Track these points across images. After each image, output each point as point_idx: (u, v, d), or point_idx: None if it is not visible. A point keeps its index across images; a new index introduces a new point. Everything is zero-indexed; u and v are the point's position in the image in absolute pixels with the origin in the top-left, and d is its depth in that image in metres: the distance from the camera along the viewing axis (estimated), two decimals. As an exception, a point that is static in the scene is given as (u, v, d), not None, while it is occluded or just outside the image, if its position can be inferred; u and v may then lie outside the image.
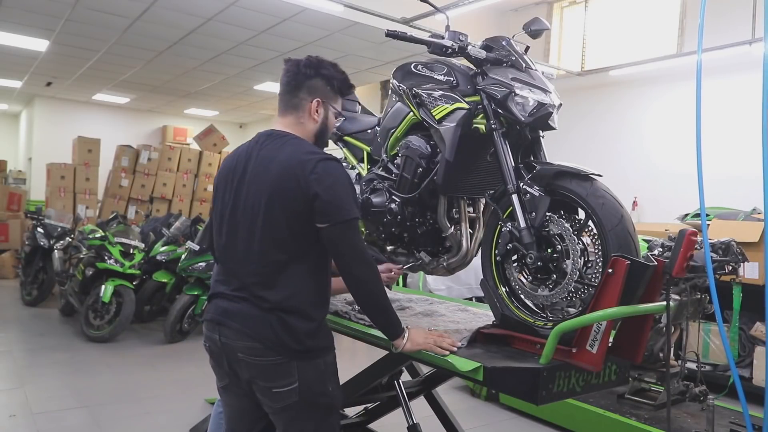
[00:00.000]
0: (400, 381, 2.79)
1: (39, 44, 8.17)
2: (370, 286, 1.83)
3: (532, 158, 2.06)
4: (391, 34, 2.11)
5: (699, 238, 1.78)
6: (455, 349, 1.92)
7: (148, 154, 10.06)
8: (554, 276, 1.88)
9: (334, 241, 1.80)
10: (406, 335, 1.88)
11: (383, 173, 2.45)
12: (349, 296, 2.65)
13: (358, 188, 2.46)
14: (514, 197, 1.93)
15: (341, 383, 2.60)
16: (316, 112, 1.94)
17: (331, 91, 1.97)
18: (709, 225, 4.60)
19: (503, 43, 2.09)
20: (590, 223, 1.84)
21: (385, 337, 1.92)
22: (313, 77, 1.93)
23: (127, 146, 10.14)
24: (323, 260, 1.90)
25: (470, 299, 5.24)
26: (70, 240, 7.44)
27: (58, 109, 12.52)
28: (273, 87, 10.48)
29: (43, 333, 6.15)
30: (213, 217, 2.05)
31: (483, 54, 2.08)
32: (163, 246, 6.46)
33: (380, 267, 2.40)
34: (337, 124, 2.04)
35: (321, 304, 1.91)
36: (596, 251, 1.83)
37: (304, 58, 1.97)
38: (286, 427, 1.88)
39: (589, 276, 1.83)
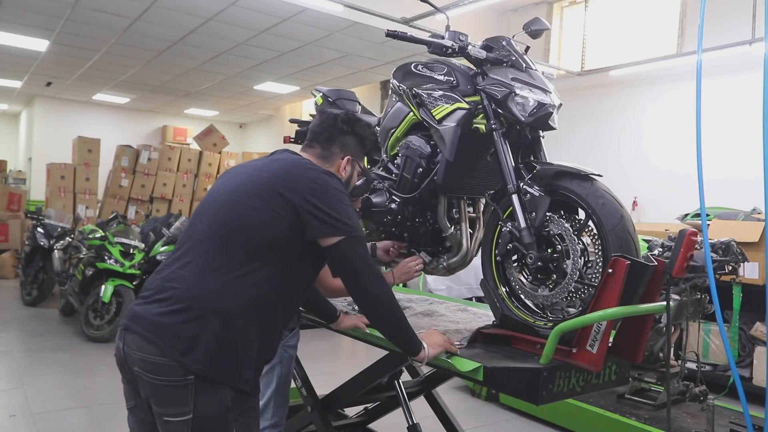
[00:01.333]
0: (400, 381, 2.80)
1: (39, 44, 8.17)
2: (386, 304, 1.70)
3: (532, 158, 2.05)
4: (391, 34, 2.11)
5: (699, 238, 1.78)
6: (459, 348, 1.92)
7: (148, 154, 10.06)
8: (554, 276, 1.88)
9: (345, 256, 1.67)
10: (425, 345, 1.76)
11: (383, 173, 2.45)
12: (346, 297, 2.66)
13: None
14: (514, 197, 1.93)
15: (342, 383, 2.61)
16: (345, 169, 1.88)
17: (361, 151, 1.94)
18: (709, 225, 4.60)
19: (503, 43, 2.09)
20: (590, 223, 1.84)
21: (400, 350, 1.82)
22: (349, 134, 1.89)
23: (127, 146, 10.14)
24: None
25: (470, 299, 5.24)
26: (70, 240, 7.44)
27: (58, 109, 12.52)
28: (273, 87, 10.49)
29: (43, 333, 6.15)
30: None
31: (483, 54, 2.08)
32: (163, 246, 6.46)
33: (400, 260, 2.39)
34: (358, 183, 2.04)
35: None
36: (596, 251, 1.83)
37: (342, 113, 1.93)
38: None
39: (589, 276, 1.83)
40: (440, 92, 2.13)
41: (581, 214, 1.89)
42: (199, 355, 1.52)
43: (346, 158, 1.88)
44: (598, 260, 1.81)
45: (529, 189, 1.90)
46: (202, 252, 1.64)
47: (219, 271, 1.59)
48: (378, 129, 2.57)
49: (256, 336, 1.62)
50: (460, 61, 2.22)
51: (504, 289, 2.03)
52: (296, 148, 2.32)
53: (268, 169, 1.74)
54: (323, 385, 2.76)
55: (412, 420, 2.68)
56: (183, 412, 1.52)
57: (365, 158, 2.03)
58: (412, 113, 2.28)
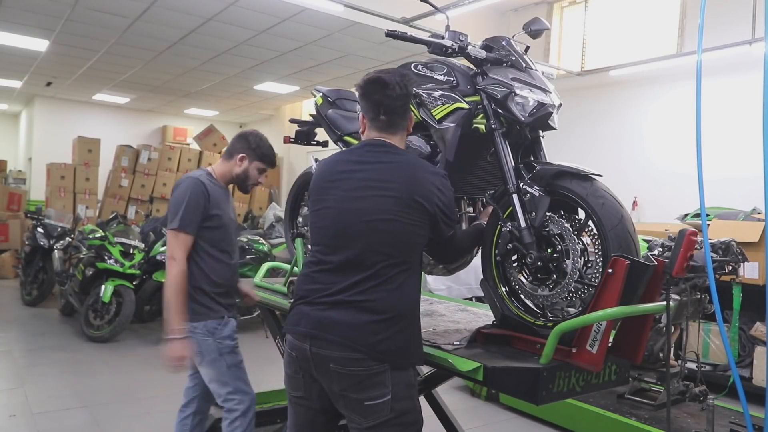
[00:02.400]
0: (400, 381, 2.79)
1: (39, 44, 8.17)
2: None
3: (532, 158, 2.06)
4: (391, 34, 2.11)
5: (699, 238, 1.78)
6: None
7: (148, 154, 10.06)
8: (554, 276, 1.88)
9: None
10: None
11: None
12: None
13: None
14: (514, 197, 1.93)
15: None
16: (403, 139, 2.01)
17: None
18: (709, 225, 4.60)
19: (503, 43, 2.09)
20: (590, 223, 1.84)
21: None
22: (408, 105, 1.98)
23: (127, 146, 10.14)
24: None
25: (470, 299, 5.24)
26: (70, 240, 7.44)
27: (58, 109, 12.52)
28: (273, 87, 10.48)
29: (43, 333, 6.15)
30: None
31: (483, 54, 2.08)
32: (163, 246, 6.45)
33: None
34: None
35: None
36: (596, 251, 1.83)
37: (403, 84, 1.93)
38: None
39: (589, 276, 1.83)
40: (440, 92, 2.13)
41: (581, 214, 1.89)
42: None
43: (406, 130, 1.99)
44: (598, 260, 1.81)
45: (529, 189, 1.90)
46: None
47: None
48: None
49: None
50: (460, 61, 2.22)
51: (504, 289, 2.03)
52: (296, 147, 2.33)
53: (393, 179, 1.85)
54: (323, 385, 2.75)
55: (412, 420, 2.68)
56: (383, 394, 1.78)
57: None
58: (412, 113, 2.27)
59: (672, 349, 3.47)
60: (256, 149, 2.67)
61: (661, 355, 3.13)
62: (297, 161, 12.29)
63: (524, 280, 1.99)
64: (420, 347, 1.91)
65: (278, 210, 9.11)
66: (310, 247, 2.08)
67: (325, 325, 1.79)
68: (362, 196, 1.84)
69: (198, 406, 2.92)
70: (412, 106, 2.24)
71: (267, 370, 4.20)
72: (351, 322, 1.76)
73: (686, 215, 5.43)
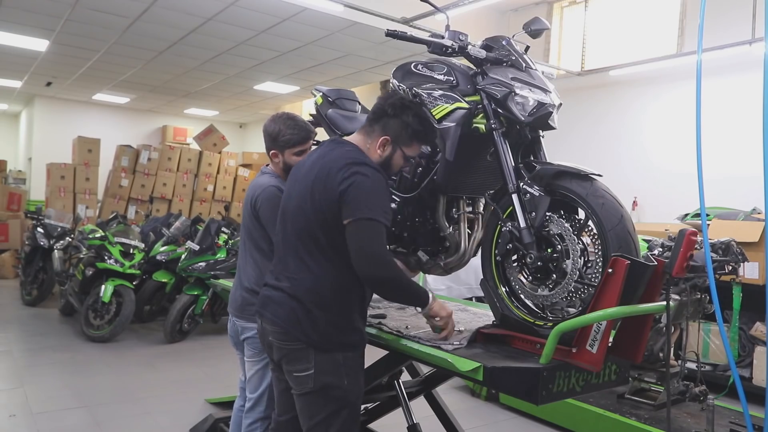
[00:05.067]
0: (400, 381, 2.79)
1: (39, 44, 8.17)
2: (390, 284, 1.92)
3: (532, 158, 2.05)
4: (391, 34, 2.11)
5: (699, 238, 1.78)
6: (453, 344, 1.97)
7: (148, 154, 10.05)
8: (554, 276, 1.88)
9: (350, 237, 1.89)
10: (430, 303, 1.99)
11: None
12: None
13: None
14: (514, 197, 1.93)
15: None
16: (382, 148, 2.03)
17: (406, 137, 2.03)
18: (709, 225, 4.60)
19: (503, 42, 2.09)
20: (590, 223, 1.84)
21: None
22: (392, 118, 2.01)
23: (127, 146, 10.13)
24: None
25: (470, 299, 5.24)
26: (70, 240, 7.44)
27: (58, 109, 12.51)
28: (273, 87, 10.48)
29: (43, 333, 6.15)
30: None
31: (483, 54, 2.08)
32: (163, 246, 6.46)
33: None
34: (405, 168, 2.21)
35: (346, 299, 1.98)
36: (596, 251, 1.83)
37: (396, 97, 2.06)
38: (301, 412, 1.99)
39: (589, 276, 1.82)
40: (440, 92, 2.13)
41: (581, 214, 1.89)
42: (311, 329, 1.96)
43: (383, 138, 2.02)
44: (598, 260, 1.81)
45: (529, 189, 1.90)
46: None
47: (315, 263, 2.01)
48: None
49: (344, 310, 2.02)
50: (460, 61, 2.22)
51: (504, 289, 2.03)
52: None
53: (310, 177, 2.01)
54: (323, 385, 2.75)
55: (412, 420, 2.68)
56: (306, 368, 1.94)
57: (416, 146, 2.07)
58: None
59: (672, 349, 3.47)
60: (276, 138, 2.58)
61: (661, 355, 3.12)
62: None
63: (524, 280, 1.99)
64: (348, 333, 1.98)
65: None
66: None
67: (266, 303, 2.05)
68: (297, 185, 2.05)
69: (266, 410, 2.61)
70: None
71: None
72: (279, 301, 1.99)
73: (686, 215, 5.43)
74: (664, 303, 1.72)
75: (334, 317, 1.95)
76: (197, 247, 5.83)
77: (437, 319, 2.03)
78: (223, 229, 6.48)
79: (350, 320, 1.99)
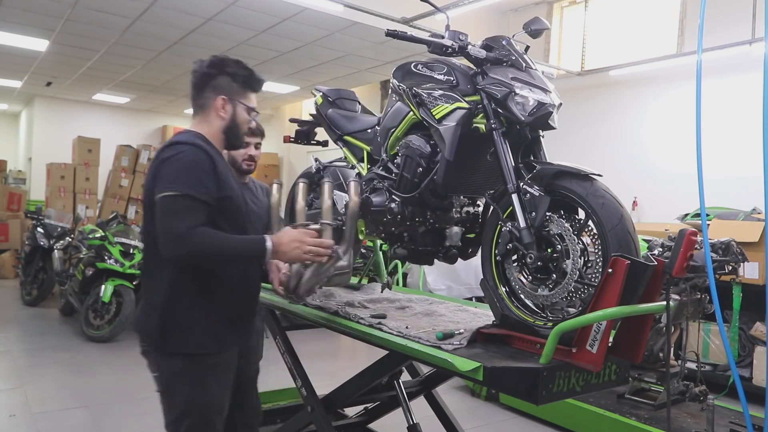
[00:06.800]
0: (400, 381, 2.80)
1: (39, 44, 8.17)
2: (201, 257, 1.82)
3: (532, 158, 2.05)
4: (391, 34, 2.11)
5: (699, 238, 1.78)
6: (327, 251, 1.95)
7: (148, 154, 10.05)
8: (554, 276, 1.88)
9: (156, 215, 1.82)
10: (269, 245, 1.83)
11: (383, 173, 2.45)
12: (345, 297, 2.65)
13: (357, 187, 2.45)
14: (514, 197, 1.92)
15: (342, 383, 2.60)
16: (223, 109, 1.99)
17: (238, 87, 2.01)
18: (709, 225, 4.60)
19: (503, 42, 2.08)
20: (590, 223, 1.84)
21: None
22: (218, 76, 1.99)
23: (127, 146, 10.13)
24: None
25: (470, 299, 5.24)
26: (70, 240, 7.44)
27: (58, 109, 12.51)
28: (273, 87, 10.48)
29: (43, 333, 6.15)
30: None
31: (483, 53, 2.08)
32: (163, 246, 6.45)
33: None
34: (252, 119, 2.11)
35: (191, 304, 1.91)
36: (596, 251, 1.82)
37: (208, 59, 2.05)
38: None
39: (589, 276, 1.82)
40: (440, 92, 2.12)
41: (581, 214, 1.89)
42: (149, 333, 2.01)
43: (220, 98, 1.98)
44: (598, 260, 1.81)
45: (529, 189, 1.90)
46: None
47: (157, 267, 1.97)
48: (378, 127, 2.57)
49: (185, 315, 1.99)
50: (460, 61, 2.22)
51: (504, 289, 2.03)
52: (296, 147, 2.33)
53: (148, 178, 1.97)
54: (323, 385, 2.76)
55: (412, 420, 2.69)
56: (153, 370, 2.01)
57: (251, 95, 2.06)
58: (411, 113, 2.27)
59: (672, 349, 3.47)
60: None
61: (661, 355, 3.12)
62: (297, 161, 12.29)
63: (524, 280, 1.98)
64: (189, 339, 1.90)
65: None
66: None
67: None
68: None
69: None
70: (411, 105, 2.24)
71: (267, 369, 4.19)
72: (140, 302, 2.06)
73: (686, 215, 5.43)
74: (664, 303, 1.71)
75: (177, 318, 1.89)
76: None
77: (292, 256, 1.87)
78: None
79: (199, 322, 1.91)
